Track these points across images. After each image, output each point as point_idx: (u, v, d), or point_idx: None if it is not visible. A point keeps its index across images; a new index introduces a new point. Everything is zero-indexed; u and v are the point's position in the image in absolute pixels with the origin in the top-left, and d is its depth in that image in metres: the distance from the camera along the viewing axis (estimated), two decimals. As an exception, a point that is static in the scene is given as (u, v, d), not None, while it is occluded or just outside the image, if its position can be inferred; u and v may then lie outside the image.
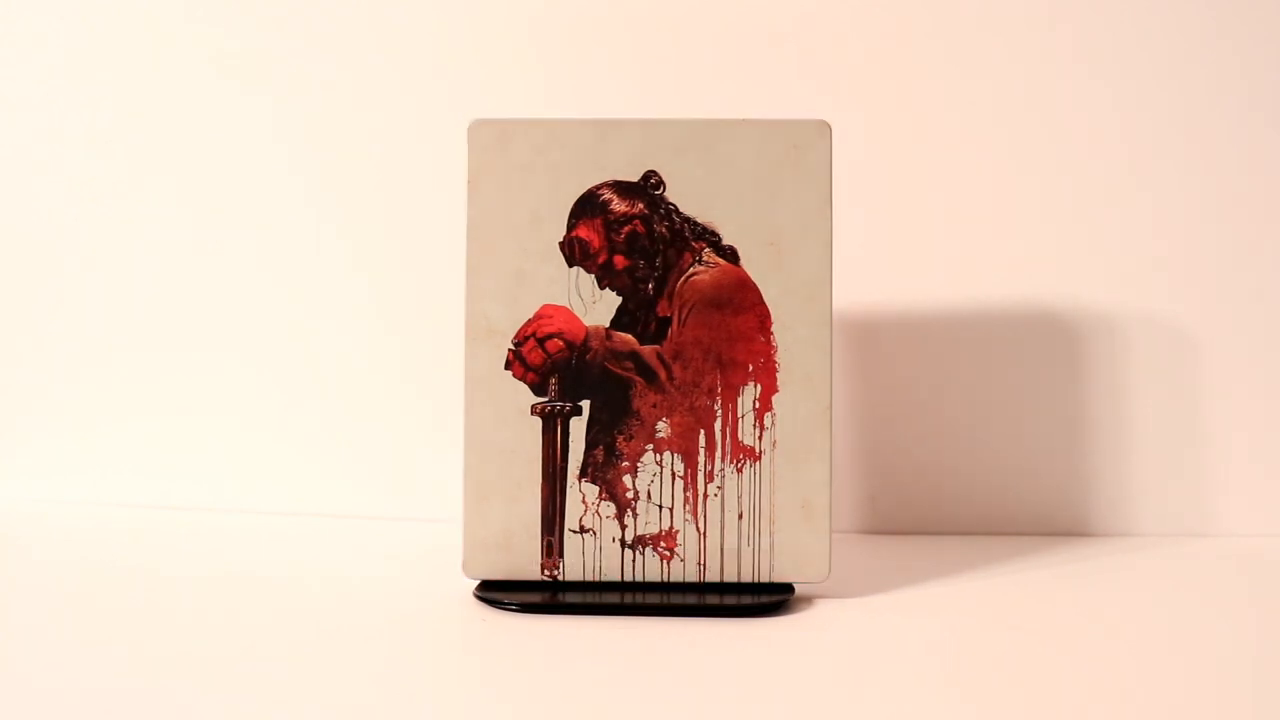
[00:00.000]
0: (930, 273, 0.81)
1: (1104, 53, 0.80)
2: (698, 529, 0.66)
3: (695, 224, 0.66)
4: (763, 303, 0.66)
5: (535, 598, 0.65)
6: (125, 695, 0.54)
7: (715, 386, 0.66)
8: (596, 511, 0.66)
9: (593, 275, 0.66)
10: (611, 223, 0.66)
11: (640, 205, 0.66)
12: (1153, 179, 0.81)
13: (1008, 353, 0.81)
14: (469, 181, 0.66)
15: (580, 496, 0.66)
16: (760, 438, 0.66)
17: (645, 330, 0.66)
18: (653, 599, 0.65)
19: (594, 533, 0.66)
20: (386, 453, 0.84)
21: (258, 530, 0.80)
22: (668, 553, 0.66)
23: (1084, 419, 0.81)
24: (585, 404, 0.66)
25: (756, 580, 0.66)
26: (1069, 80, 0.80)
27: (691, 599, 0.65)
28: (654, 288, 0.66)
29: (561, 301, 0.66)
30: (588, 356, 0.66)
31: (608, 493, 0.66)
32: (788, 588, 0.66)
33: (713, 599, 0.65)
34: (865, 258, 0.78)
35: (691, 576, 0.66)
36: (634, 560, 0.66)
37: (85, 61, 0.84)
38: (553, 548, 0.66)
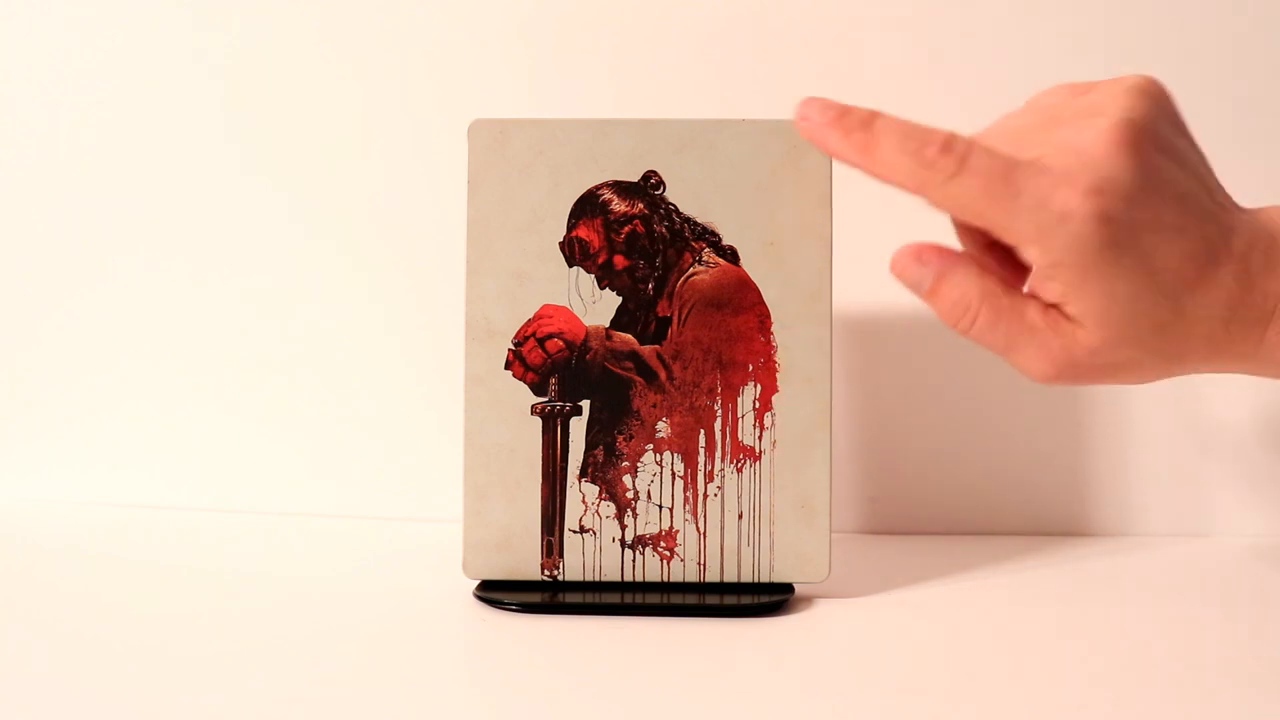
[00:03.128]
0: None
1: (1105, 51, 0.80)
2: (698, 529, 0.66)
3: (695, 224, 0.66)
4: (763, 303, 0.66)
5: (535, 598, 0.65)
6: (123, 695, 0.54)
7: (715, 386, 0.66)
8: (596, 511, 0.66)
9: (593, 275, 0.66)
10: (611, 223, 0.66)
11: (640, 205, 0.66)
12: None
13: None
14: (469, 181, 0.66)
15: (580, 496, 0.66)
16: (760, 438, 0.66)
17: (645, 330, 0.66)
18: (653, 599, 0.65)
19: (594, 533, 0.66)
20: (386, 453, 0.84)
21: (257, 530, 0.80)
22: (668, 553, 0.66)
23: (1084, 419, 0.81)
24: (585, 404, 0.66)
25: (756, 580, 0.66)
26: (1070, 80, 0.80)
27: (691, 599, 0.65)
28: (654, 288, 0.67)
29: (561, 301, 0.66)
30: (588, 356, 0.66)
31: (608, 493, 0.66)
32: (788, 588, 0.66)
33: (713, 599, 0.65)
34: (865, 258, 0.78)
35: (691, 576, 0.66)
36: (634, 560, 0.66)
37: (78, 60, 0.84)
38: (553, 548, 0.66)
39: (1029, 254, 0.56)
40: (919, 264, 0.58)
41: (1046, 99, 0.60)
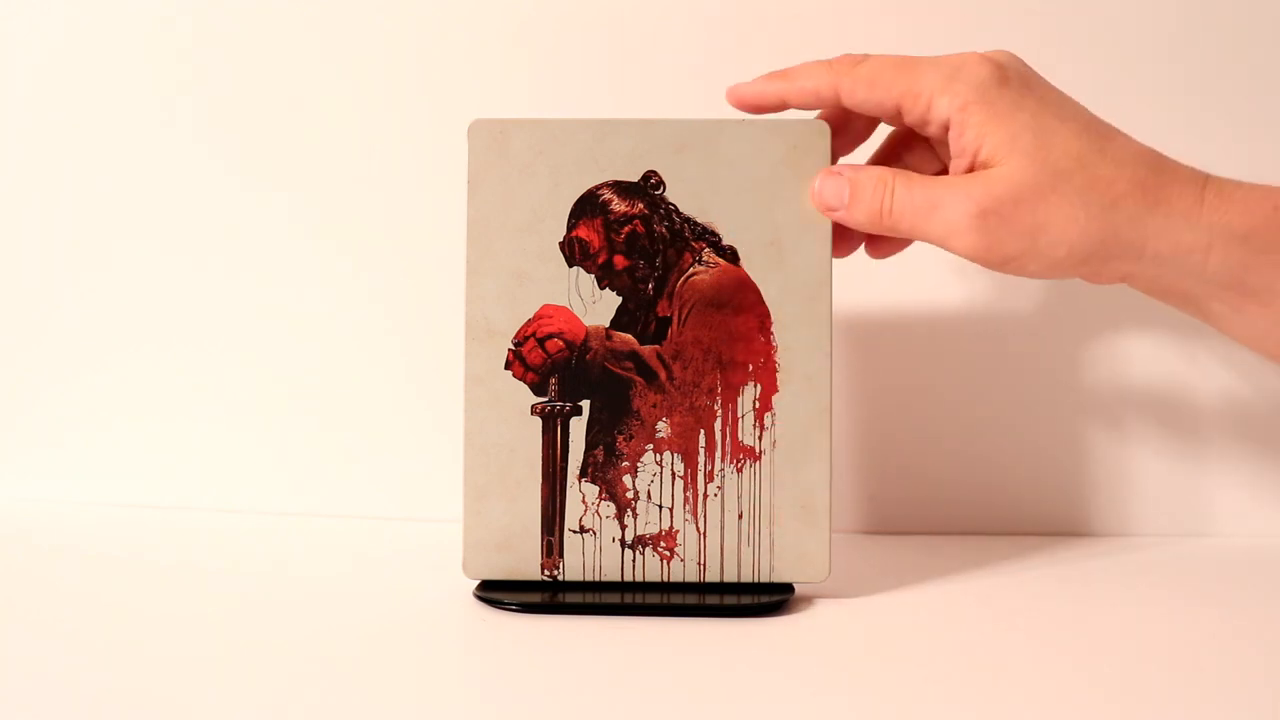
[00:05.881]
0: (930, 273, 0.81)
1: (1105, 51, 0.80)
2: (698, 529, 0.66)
3: (695, 224, 0.66)
4: (762, 303, 0.66)
5: (535, 598, 0.65)
6: (123, 695, 0.54)
7: (715, 386, 0.66)
8: (596, 511, 0.66)
9: (593, 275, 0.66)
10: (611, 223, 0.66)
11: (640, 205, 0.66)
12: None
13: (1007, 353, 0.81)
14: (469, 181, 0.66)
15: (580, 496, 0.66)
16: (760, 438, 0.66)
17: (645, 330, 0.66)
18: (653, 599, 0.65)
19: (594, 533, 0.66)
20: (387, 453, 0.84)
21: (257, 530, 0.80)
22: (668, 553, 0.66)
23: (1084, 419, 0.81)
24: (585, 404, 0.66)
25: (756, 580, 0.66)
26: (1070, 79, 0.80)
27: (691, 599, 0.65)
28: (654, 288, 0.67)
29: (561, 301, 0.66)
30: (588, 356, 0.66)
31: (608, 493, 0.66)
32: (788, 588, 0.66)
33: (713, 599, 0.65)
34: (865, 258, 0.78)
35: (691, 576, 0.66)
36: (634, 560, 0.66)
37: (73, 57, 0.84)
38: (553, 548, 0.66)
39: (940, 108, 0.61)
40: (833, 176, 0.64)
41: None
